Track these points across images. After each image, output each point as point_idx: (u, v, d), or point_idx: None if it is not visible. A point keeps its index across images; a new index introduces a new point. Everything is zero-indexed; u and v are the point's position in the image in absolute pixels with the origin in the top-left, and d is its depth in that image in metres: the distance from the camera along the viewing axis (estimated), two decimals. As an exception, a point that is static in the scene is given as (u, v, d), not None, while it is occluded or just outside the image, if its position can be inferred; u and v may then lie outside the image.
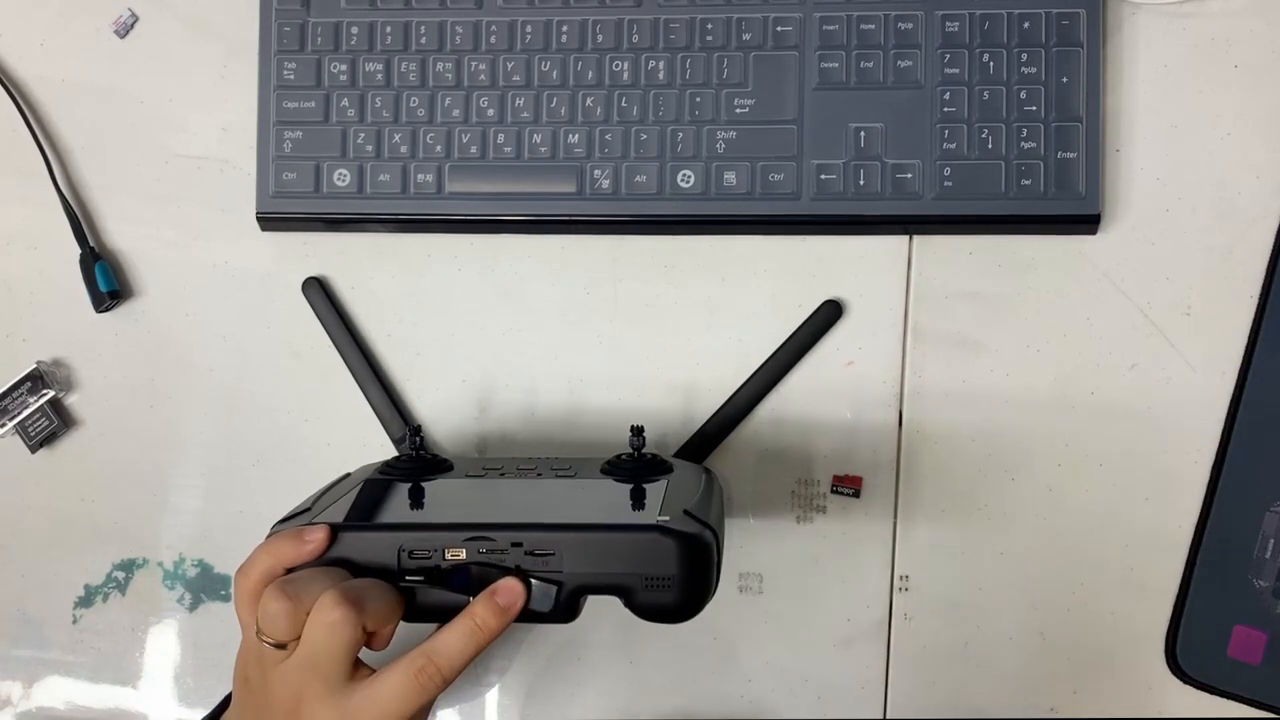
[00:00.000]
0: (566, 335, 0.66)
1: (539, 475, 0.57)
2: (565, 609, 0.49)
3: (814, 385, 0.65)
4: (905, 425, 0.65)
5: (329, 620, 0.47)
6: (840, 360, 0.65)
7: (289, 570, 0.50)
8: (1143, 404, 0.64)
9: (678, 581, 0.48)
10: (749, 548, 0.65)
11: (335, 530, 0.50)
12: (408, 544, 0.50)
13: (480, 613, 0.49)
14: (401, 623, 0.51)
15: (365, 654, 0.50)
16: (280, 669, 0.49)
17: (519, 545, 0.49)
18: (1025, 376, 0.64)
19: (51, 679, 0.68)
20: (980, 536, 0.64)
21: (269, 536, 0.51)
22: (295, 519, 0.52)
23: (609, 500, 0.55)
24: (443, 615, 0.50)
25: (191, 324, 0.68)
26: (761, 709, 0.65)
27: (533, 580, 0.49)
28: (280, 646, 0.48)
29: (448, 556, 0.49)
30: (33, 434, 0.67)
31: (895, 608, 0.65)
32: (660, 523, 0.49)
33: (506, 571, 0.49)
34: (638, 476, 0.56)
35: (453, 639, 0.49)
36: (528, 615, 0.49)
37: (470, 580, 0.50)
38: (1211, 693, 0.62)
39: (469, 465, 0.60)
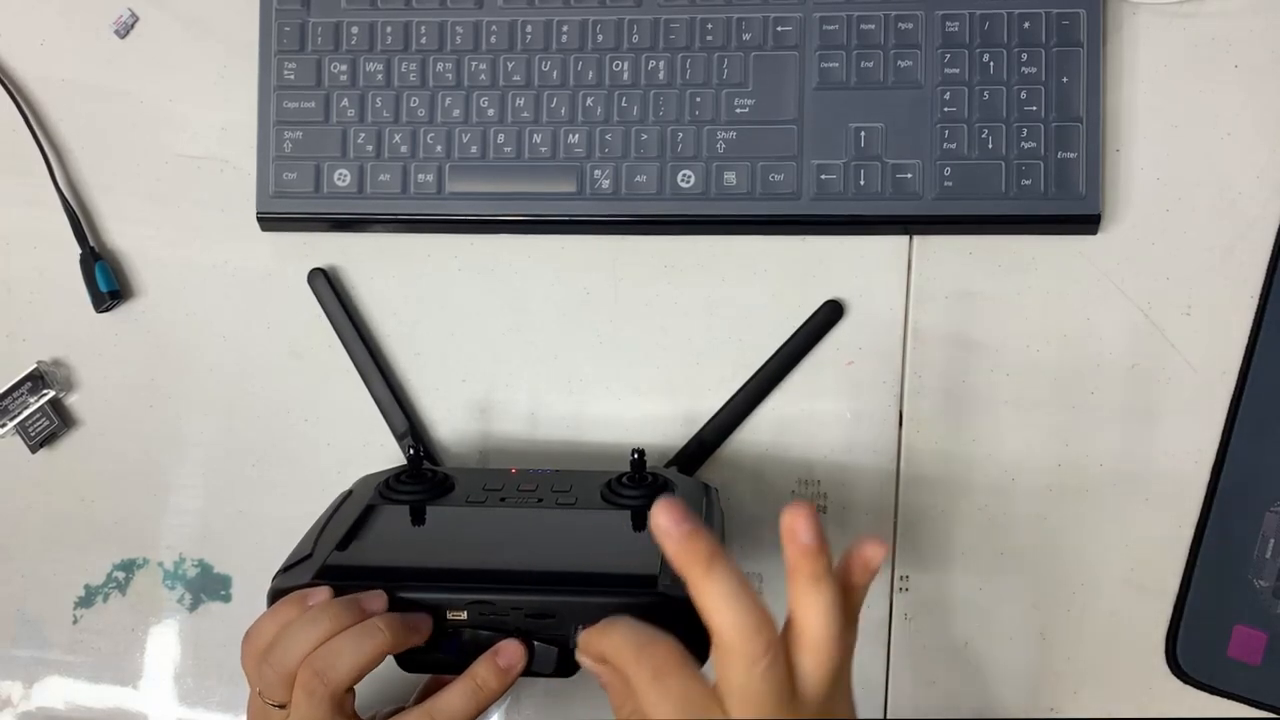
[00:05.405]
0: (566, 335, 0.66)
1: (539, 501, 0.58)
2: (565, 667, 0.51)
3: (814, 385, 0.65)
4: (905, 425, 0.65)
5: (304, 693, 0.49)
6: (840, 360, 0.65)
7: None
8: (1143, 404, 0.64)
9: None
10: (749, 547, 0.65)
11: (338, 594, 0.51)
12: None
13: (482, 674, 0.50)
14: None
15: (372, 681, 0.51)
16: None
17: (519, 609, 0.50)
18: (1025, 376, 0.64)
19: (51, 679, 0.68)
20: (980, 536, 0.64)
21: (273, 596, 0.52)
22: (296, 567, 0.53)
23: (610, 543, 0.55)
24: (438, 667, 0.52)
25: (191, 324, 0.68)
26: (761, 709, 0.65)
27: (535, 643, 0.50)
28: (282, 707, 0.50)
29: (449, 617, 0.50)
30: (33, 434, 0.67)
31: (895, 608, 0.65)
32: (662, 590, 0.49)
33: (508, 633, 0.50)
34: (639, 501, 0.57)
35: (454, 699, 0.50)
36: (528, 671, 0.50)
37: (467, 642, 0.51)
38: (1211, 693, 0.62)
39: (469, 484, 0.60)
